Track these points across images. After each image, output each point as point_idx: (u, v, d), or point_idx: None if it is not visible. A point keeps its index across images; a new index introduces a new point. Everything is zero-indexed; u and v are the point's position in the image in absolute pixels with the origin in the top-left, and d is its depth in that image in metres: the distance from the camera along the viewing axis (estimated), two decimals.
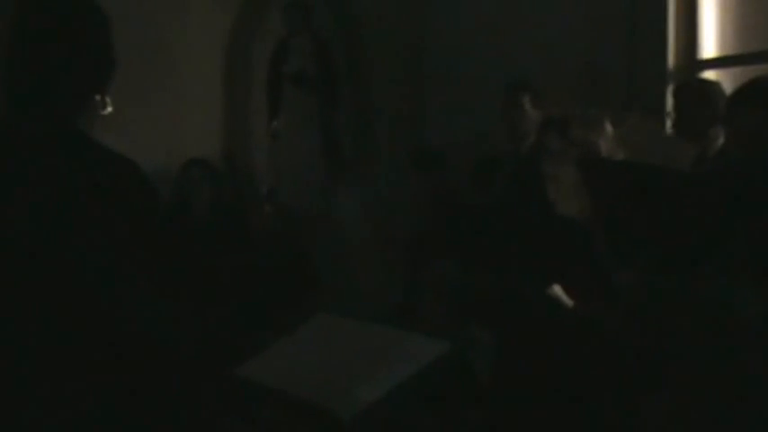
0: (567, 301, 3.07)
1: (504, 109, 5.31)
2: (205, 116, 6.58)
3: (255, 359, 2.59)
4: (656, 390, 2.82)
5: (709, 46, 5.31)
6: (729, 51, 5.24)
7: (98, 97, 2.05)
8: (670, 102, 4.88)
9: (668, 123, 4.77)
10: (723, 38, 5.30)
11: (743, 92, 2.73)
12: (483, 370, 3.47)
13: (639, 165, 3.14)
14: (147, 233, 1.86)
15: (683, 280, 2.55)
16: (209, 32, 6.56)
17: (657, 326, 2.64)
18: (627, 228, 2.56)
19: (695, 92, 4.44)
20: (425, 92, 6.79)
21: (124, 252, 1.82)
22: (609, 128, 3.25)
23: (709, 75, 5.24)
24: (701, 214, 2.37)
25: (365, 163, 6.87)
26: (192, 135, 6.44)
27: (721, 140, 4.15)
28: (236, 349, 2.72)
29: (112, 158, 1.93)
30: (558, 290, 3.06)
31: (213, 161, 6.17)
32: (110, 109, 2.06)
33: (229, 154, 6.67)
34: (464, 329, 3.94)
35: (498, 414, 3.24)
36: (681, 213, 2.41)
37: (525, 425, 3.12)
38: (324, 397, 2.32)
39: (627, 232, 2.56)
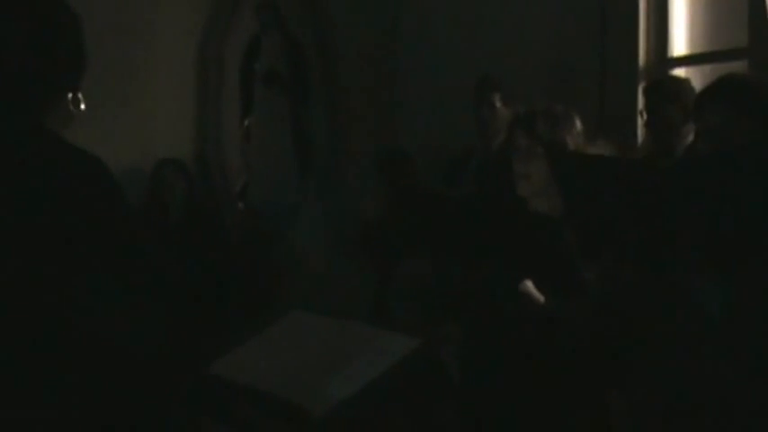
0: (538, 296, 3.07)
1: (475, 107, 5.32)
2: (177, 115, 6.56)
3: (227, 356, 2.59)
4: (624, 384, 2.84)
5: (679, 44, 5.34)
6: (700, 49, 5.28)
7: (70, 95, 2.04)
8: (641, 99, 4.92)
9: (640, 122, 4.80)
10: (693, 36, 5.34)
11: (711, 89, 2.75)
12: (454, 366, 3.48)
13: (608, 158, 3.15)
14: (110, 232, 1.85)
15: (648, 273, 2.57)
16: (180, 31, 6.54)
17: (626, 321, 2.65)
18: (595, 221, 2.57)
19: (666, 90, 4.47)
20: (396, 90, 6.80)
21: (84, 251, 1.81)
22: (578, 124, 3.26)
23: (680, 72, 5.27)
24: (666, 207, 2.39)
25: (336, 164, 6.87)
26: (165, 134, 6.42)
27: (692, 137, 4.18)
28: (206, 348, 2.71)
29: (78, 156, 1.92)
30: (529, 285, 3.07)
31: (186, 160, 6.18)
32: (83, 107, 2.06)
33: (201, 153, 6.65)
34: (436, 326, 3.96)
35: (469, 409, 3.25)
36: (647, 206, 2.42)
37: (496, 420, 3.14)
38: (295, 393, 2.33)
39: (595, 225, 2.58)
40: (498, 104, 5.24)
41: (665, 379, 2.58)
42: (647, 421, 2.69)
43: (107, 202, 1.89)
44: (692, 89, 4.45)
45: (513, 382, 3.10)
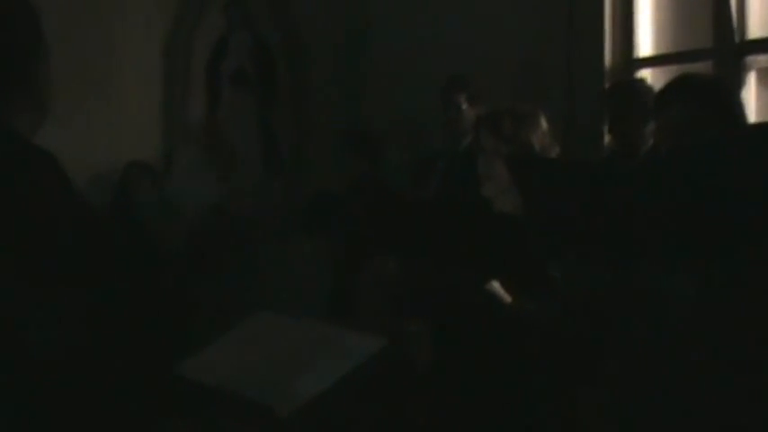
0: (505, 296, 3.08)
1: (442, 108, 5.33)
2: (145, 116, 6.54)
3: (194, 357, 2.59)
4: (592, 382, 2.86)
5: (645, 45, 5.38)
6: (665, 50, 5.32)
7: (37, 94, 2.02)
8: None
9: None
10: (659, 37, 5.38)
11: (671, 86, 2.78)
12: (423, 364, 3.49)
13: (567, 162, 3.17)
14: (60, 230, 1.83)
15: (614, 273, 2.59)
16: (147, 32, 6.52)
17: (593, 319, 2.67)
18: (557, 224, 2.59)
19: (626, 92, 4.50)
20: (365, 90, 6.80)
21: (26, 248, 1.79)
22: (543, 123, 3.27)
23: (645, 73, 5.32)
24: (630, 208, 2.41)
25: (302, 163, 6.88)
26: (132, 136, 6.40)
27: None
28: (175, 350, 2.70)
29: (29, 151, 1.90)
30: (495, 285, 3.08)
31: (153, 161, 6.17)
32: (50, 109, 2.05)
33: (169, 154, 6.64)
34: (404, 324, 3.96)
35: (438, 407, 3.26)
36: (610, 207, 2.44)
37: (464, 418, 3.15)
38: (262, 394, 2.33)
39: (557, 228, 2.59)
40: (465, 105, 5.25)
41: (636, 374, 2.60)
42: (616, 417, 2.71)
43: (58, 199, 1.87)
44: (652, 90, 4.48)
45: (481, 379, 3.12)
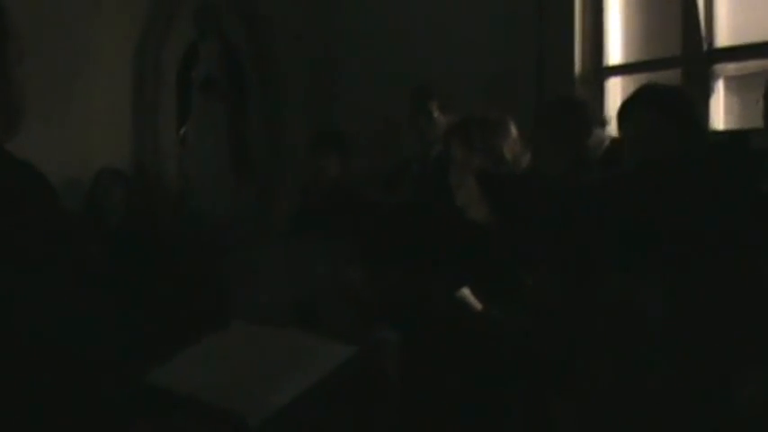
0: (475, 303, 3.09)
1: (411, 115, 5.32)
2: (115, 123, 6.51)
3: (165, 366, 2.58)
4: (564, 390, 2.87)
5: (614, 53, 5.42)
6: (634, 58, 5.36)
7: (10, 95, 2.01)
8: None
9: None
10: (628, 45, 5.42)
11: (636, 97, 2.80)
12: (393, 372, 3.50)
13: (535, 177, 3.19)
14: (46, 240, 1.83)
15: (584, 284, 2.61)
16: (117, 39, 6.49)
17: (564, 328, 2.68)
18: (526, 239, 2.61)
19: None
20: (336, 98, 6.81)
21: (22, 258, 1.79)
22: (513, 131, 3.28)
23: (615, 81, 5.35)
24: (598, 221, 2.43)
25: (274, 170, 6.88)
26: (103, 143, 6.37)
27: (601, 148, 4.22)
28: (148, 356, 2.69)
29: (14, 165, 1.90)
30: (466, 293, 3.08)
31: (124, 168, 6.15)
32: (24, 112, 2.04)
33: (140, 161, 6.62)
34: (374, 332, 3.96)
35: (408, 415, 3.27)
36: (578, 221, 2.46)
37: (434, 425, 3.15)
38: (232, 402, 2.32)
39: (526, 241, 2.61)
40: (436, 113, 5.25)
41: (607, 381, 2.62)
42: (586, 423, 2.72)
43: (46, 211, 1.87)
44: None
45: (451, 386, 3.12)
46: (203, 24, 6.72)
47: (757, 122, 3.73)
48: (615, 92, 5.29)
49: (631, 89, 4.70)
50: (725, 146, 2.41)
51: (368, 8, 6.58)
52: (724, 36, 4.89)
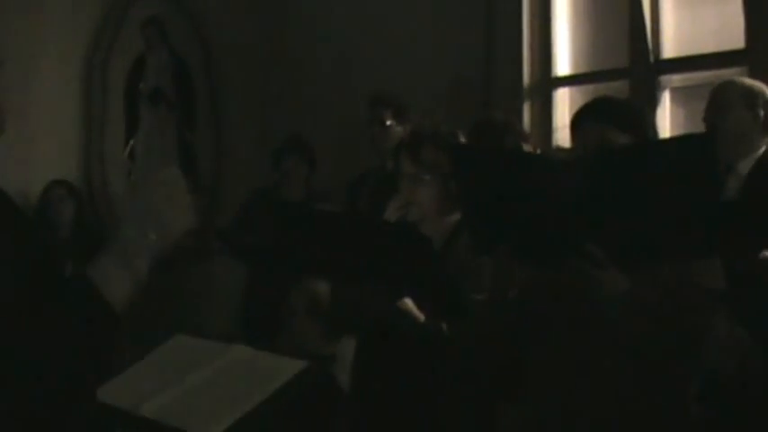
0: (418, 314, 3.08)
1: (367, 125, 5.29)
2: (63, 135, 6.44)
3: (110, 382, 2.54)
4: (514, 398, 2.87)
5: (563, 64, 5.45)
6: (582, 69, 5.39)
7: None
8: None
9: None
10: (576, 56, 5.45)
11: (586, 108, 2.81)
12: (347, 383, 3.48)
13: (509, 151, 3.17)
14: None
15: (545, 267, 2.61)
16: (64, 51, 6.43)
17: (511, 336, 2.68)
18: (492, 215, 2.59)
19: (478, 131, 4.47)
20: (287, 108, 6.78)
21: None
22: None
23: (563, 92, 5.38)
24: (568, 200, 2.43)
25: (221, 183, 6.84)
26: (50, 156, 6.30)
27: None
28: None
29: None
30: (408, 303, 3.07)
31: (72, 181, 6.08)
32: None
33: (87, 173, 6.55)
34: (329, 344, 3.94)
35: (362, 424, 3.25)
36: (547, 200, 2.45)
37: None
38: (179, 420, 2.29)
39: (491, 219, 2.60)
40: (390, 121, 5.22)
41: (559, 392, 2.62)
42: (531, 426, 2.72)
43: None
44: (515, 124, 4.46)
45: (401, 397, 3.11)
46: (150, 36, 6.68)
47: None
48: (564, 103, 5.32)
49: (580, 100, 4.76)
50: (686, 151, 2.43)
51: (318, 19, 6.57)
52: (670, 48, 4.94)
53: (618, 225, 2.43)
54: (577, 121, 2.75)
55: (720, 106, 3.79)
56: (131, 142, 6.70)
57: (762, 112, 3.72)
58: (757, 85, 3.82)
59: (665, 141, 2.94)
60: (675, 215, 2.41)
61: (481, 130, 4.31)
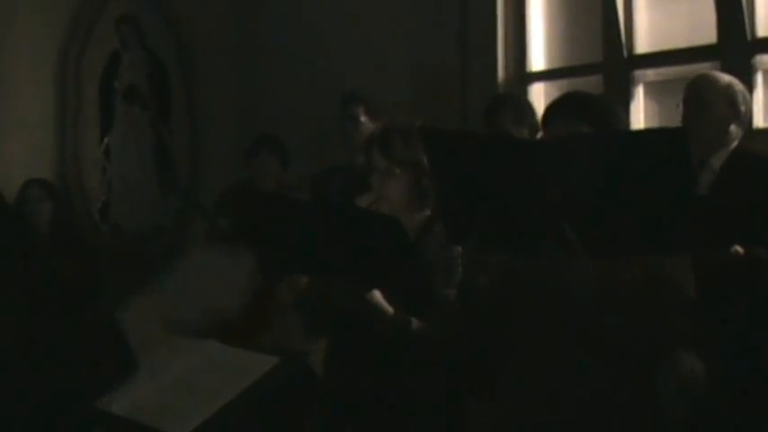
0: (387, 307, 3.08)
1: (339, 121, 5.29)
2: (37, 133, 6.41)
3: None
4: (485, 393, 2.87)
5: (537, 59, 5.47)
6: (557, 64, 5.41)
7: None
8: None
9: None
10: (550, 51, 5.47)
11: (556, 104, 2.82)
12: (323, 377, 3.47)
13: (481, 134, 3.17)
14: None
15: (516, 255, 2.62)
16: (38, 48, 6.40)
17: (481, 330, 2.69)
18: (465, 200, 2.60)
19: (512, 110, 4.52)
20: (262, 106, 6.77)
21: None
22: None
23: (538, 87, 5.40)
24: (540, 184, 2.43)
25: (197, 181, 6.83)
26: (25, 155, 6.27)
27: None
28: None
29: None
30: (377, 295, 3.07)
31: (48, 180, 6.05)
32: None
33: (63, 172, 6.53)
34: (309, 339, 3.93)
35: (337, 421, 3.25)
36: (519, 184, 2.46)
37: (362, 426, 3.14)
38: (153, 418, 2.29)
39: (465, 205, 2.60)
40: (363, 118, 5.22)
41: (531, 388, 2.63)
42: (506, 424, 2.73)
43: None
44: (531, 105, 4.54)
45: (372, 389, 3.11)
46: (125, 33, 6.66)
47: None
48: (538, 97, 5.33)
49: (554, 95, 4.77)
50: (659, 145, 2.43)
51: (292, 15, 6.56)
52: (644, 43, 4.97)
53: (589, 213, 2.43)
54: (547, 118, 2.76)
55: (701, 103, 3.79)
56: (106, 140, 6.68)
57: (743, 109, 3.73)
58: (735, 81, 3.84)
59: (639, 133, 2.93)
60: (647, 210, 2.41)
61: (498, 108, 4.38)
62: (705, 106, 3.77)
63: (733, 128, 3.75)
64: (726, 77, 3.90)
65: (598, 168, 2.42)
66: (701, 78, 3.91)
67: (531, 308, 2.62)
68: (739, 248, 3.23)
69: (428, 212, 3.22)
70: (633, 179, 2.41)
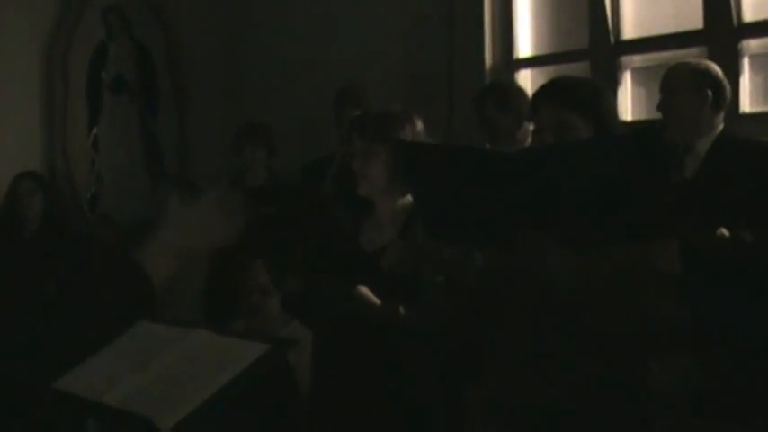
0: (374, 300, 3.10)
1: (335, 115, 5.29)
2: (24, 125, 6.39)
3: (73, 371, 2.54)
4: (477, 379, 2.89)
5: (524, 46, 5.47)
6: (543, 51, 5.41)
7: None
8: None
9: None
10: (538, 38, 5.47)
11: (544, 89, 2.83)
12: (303, 370, 3.50)
13: (453, 147, 3.19)
14: None
15: (500, 255, 2.64)
16: (24, 39, 6.38)
17: (469, 318, 2.71)
18: (443, 208, 2.62)
19: (496, 98, 4.53)
20: (249, 97, 6.76)
21: None
22: (418, 124, 3.30)
23: (525, 74, 5.41)
24: (514, 190, 2.45)
25: (187, 170, 6.83)
26: (12, 147, 6.25)
27: (530, 140, 4.30)
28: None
29: None
30: (363, 290, 3.10)
31: (37, 171, 6.04)
32: None
33: (51, 165, 6.52)
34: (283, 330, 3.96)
35: (319, 412, 3.27)
36: (493, 190, 2.48)
37: (344, 423, 3.15)
38: (143, 406, 2.30)
39: (443, 213, 2.62)
40: (355, 110, 5.21)
41: (520, 371, 2.64)
42: (501, 414, 2.75)
43: None
44: (522, 93, 4.55)
45: (359, 382, 3.13)
46: (112, 23, 6.64)
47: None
48: (526, 84, 5.33)
49: (541, 81, 4.77)
50: (638, 135, 2.45)
51: (281, 6, 6.55)
52: (630, 29, 4.97)
53: (571, 208, 2.45)
54: (535, 103, 2.78)
55: (669, 90, 3.82)
56: (94, 131, 6.67)
57: (710, 92, 3.73)
58: (704, 64, 3.83)
59: (611, 141, 2.90)
60: (626, 201, 2.42)
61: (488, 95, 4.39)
62: (672, 93, 3.79)
63: (708, 113, 3.75)
64: (694, 62, 3.90)
65: (568, 177, 2.43)
66: (672, 67, 3.93)
67: (518, 298, 2.64)
68: (725, 231, 3.23)
69: (411, 199, 3.23)
70: (603, 183, 2.43)
